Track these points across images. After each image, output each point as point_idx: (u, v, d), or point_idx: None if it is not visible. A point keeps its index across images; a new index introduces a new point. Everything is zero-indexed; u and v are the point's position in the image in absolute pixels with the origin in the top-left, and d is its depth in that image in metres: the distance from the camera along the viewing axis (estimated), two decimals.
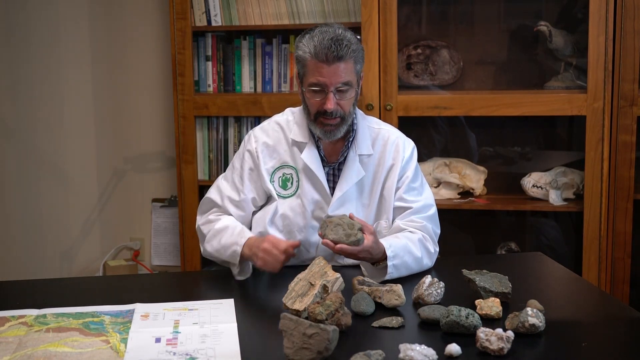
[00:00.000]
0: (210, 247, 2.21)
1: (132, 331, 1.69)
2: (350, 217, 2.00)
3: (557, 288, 2.09)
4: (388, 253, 2.04)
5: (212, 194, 2.29)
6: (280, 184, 2.23)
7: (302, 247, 2.22)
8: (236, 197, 2.24)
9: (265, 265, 2.06)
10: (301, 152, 2.21)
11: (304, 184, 2.21)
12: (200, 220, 2.29)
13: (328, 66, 2.07)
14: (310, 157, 2.20)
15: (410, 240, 2.12)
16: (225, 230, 2.19)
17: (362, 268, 2.15)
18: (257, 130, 2.29)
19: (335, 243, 1.94)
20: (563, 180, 3.18)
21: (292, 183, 2.22)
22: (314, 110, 2.14)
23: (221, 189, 2.27)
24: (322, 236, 1.97)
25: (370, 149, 2.24)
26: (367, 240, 1.98)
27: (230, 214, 2.25)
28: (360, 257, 2.02)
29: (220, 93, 3.38)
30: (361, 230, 1.97)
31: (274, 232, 2.20)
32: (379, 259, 2.07)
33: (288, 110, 2.31)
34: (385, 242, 2.07)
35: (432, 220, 2.23)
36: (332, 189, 2.22)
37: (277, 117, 2.30)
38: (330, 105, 2.09)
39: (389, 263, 2.04)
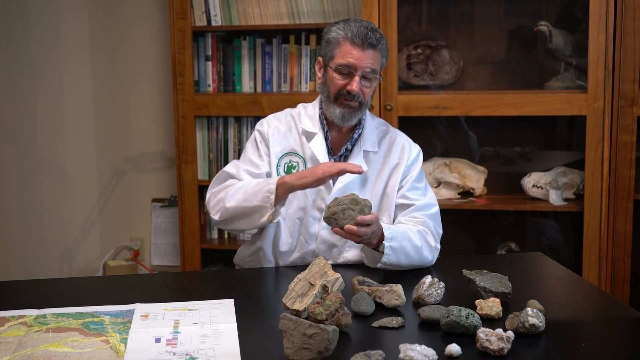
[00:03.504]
0: (233, 201, 2.16)
1: (132, 331, 1.69)
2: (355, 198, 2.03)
3: (557, 288, 2.09)
4: (386, 234, 2.07)
5: (228, 168, 2.29)
6: (285, 170, 2.27)
7: (302, 238, 2.25)
8: (254, 169, 2.25)
9: (316, 170, 2.06)
10: (309, 142, 2.26)
11: None
12: (213, 189, 2.26)
13: (362, 50, 2.14)
14: (317, 146, 2.25)
15: (410, 230, 2.15)
16: (249, 183, 2.17)
17: (362, 254, 2.18)
18: (270, 116, 2.35)
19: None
20: (563, 180, 3.18)
21: (297, 171, 2.25)
22: (335, 90, 2.18)
23: (237, 163, 2.29)
24: (341, 227, 1.99)
25: (376, 146, 2.29)
26: (372, 214, 2.02)
27: None
28: (367, 237, 2.03)
29: (220, 93, 3.38)
30: (365, 201, 2.01)
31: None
32: (376, 243, 2.09)
33: (300, 105, 2.37)
34: (384, 224, 2.10)
35: (433, 218, 2.25)
36: (334, 181, 2.24)
37: (290, 109, 2.37)
38: (356, 86, 2.15)
39: (386, 244, 2.07)
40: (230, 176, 2.26)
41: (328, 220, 2.00)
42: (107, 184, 3.82)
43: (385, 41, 2.21)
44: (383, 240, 2.08)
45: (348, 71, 2.16)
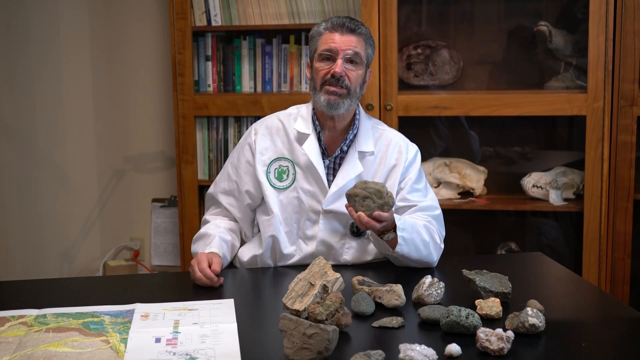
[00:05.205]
0: (192, 248, 2.31)
1: (132, 331, 1.69)
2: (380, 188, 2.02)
3: (557, 288, 2.09)
4: (398, 224, 2.06)
5: (210, 187, 2.39)
6: (276, 175, 2.27)
7: (301, 241, 2.24)
8: (227, 186, 2.32)
9: (191, 276, 2.07)
10: (301, 144, 2.24)
11: (301, 176, 2.23)
12: (205, 215, 2.39)
13: (341, 35, 2.18)
14: (311, 148, 2.23)
15: (418, 224, 2.15)
16: (201, 238, 2.26)
17: (371, 239, 2.18)
18: (258, 123, 2.35)
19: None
20: (563, 180, 3.18)
21: (287, 175, 2.25)
22: (320, 77, 2.19)
23: (216, 180, 2.38)
24: (356, 211, 2.00)
25: (372, 146, 2.26)
26: (389, 213, 2.03)
27: (225, 207, 2.33)
28: (381, 226, 2.03)
29: (220, 93, 3.38)
30: (390, 198, 2.01)
31: (280, 234, 2.24)
32: (384, 230, 2.08)
33: (292, 107, 2.36)
34: (395, 215, 2.09)
35: (437, 219, 2.24)
36: (331, 183, 2.23)
37: (280, 113, 2.36)
38: (339, 68, 2.16)
39: (399, 234, 2.06)
40: (210, 197, 2.37)
41: (348, 197, 2.02)
42: (107, 184, 3.82)
43: (367, 30, 2.22)
44: (391, 229, 2.07)
45: (331, 56, 2.18)
